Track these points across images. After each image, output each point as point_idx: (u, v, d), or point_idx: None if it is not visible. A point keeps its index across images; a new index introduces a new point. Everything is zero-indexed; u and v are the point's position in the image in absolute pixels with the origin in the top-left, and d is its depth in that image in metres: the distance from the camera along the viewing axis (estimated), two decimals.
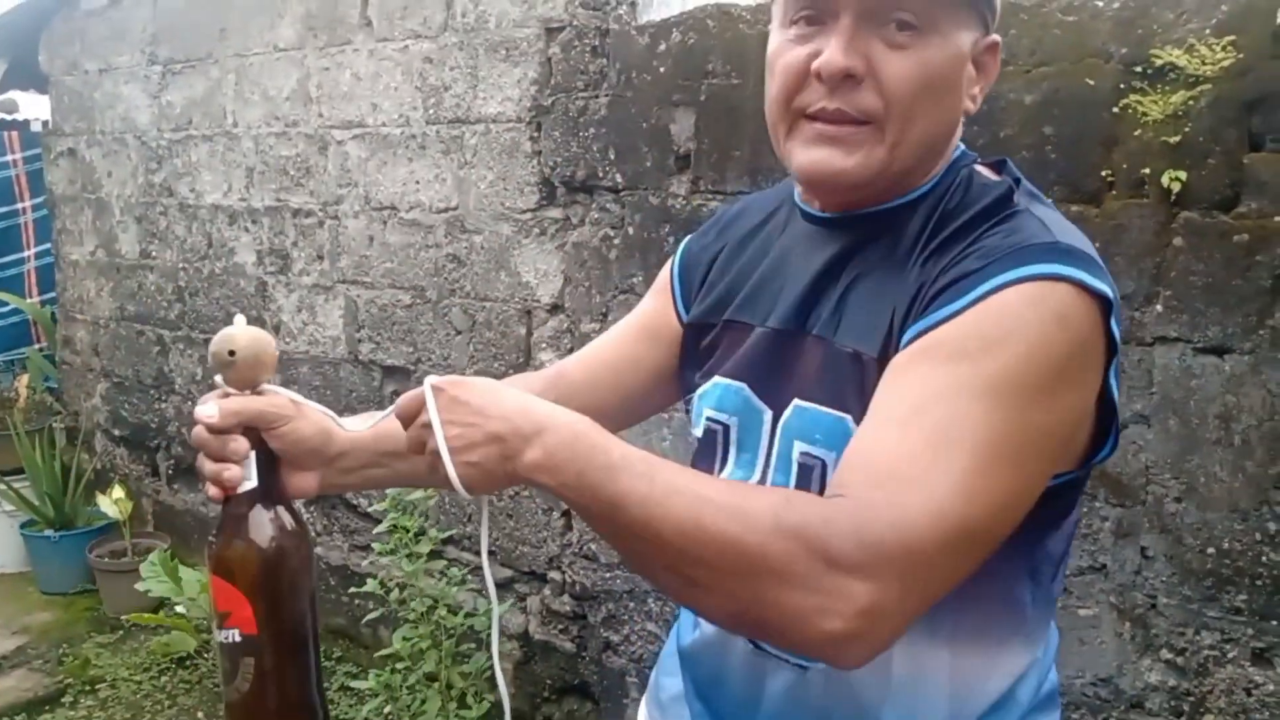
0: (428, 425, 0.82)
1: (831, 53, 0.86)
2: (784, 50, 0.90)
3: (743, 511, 0.76)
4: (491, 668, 2.63)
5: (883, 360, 0.86)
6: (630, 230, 2.49)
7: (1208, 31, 1.73)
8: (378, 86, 3.01)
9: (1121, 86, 1.80)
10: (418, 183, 2.94)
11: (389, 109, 2.99)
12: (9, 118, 4.81)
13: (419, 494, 2.53)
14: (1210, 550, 1.79)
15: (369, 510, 2.61)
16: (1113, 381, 0.86)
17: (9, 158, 4.53)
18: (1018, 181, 0.92)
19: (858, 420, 0.86)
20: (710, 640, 1.03)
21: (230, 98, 3.50)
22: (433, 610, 2.49)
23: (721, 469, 1.01)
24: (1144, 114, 1.78)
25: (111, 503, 3.59)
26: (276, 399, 0.91)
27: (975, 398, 0.78)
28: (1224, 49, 1.71)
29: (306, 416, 0.92)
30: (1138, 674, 1.88)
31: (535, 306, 2.70)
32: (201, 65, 3.59)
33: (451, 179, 2.85)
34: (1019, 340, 0.80)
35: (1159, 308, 1.80)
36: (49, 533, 3.90)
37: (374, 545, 2.69)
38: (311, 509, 3.41)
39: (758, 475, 0.97)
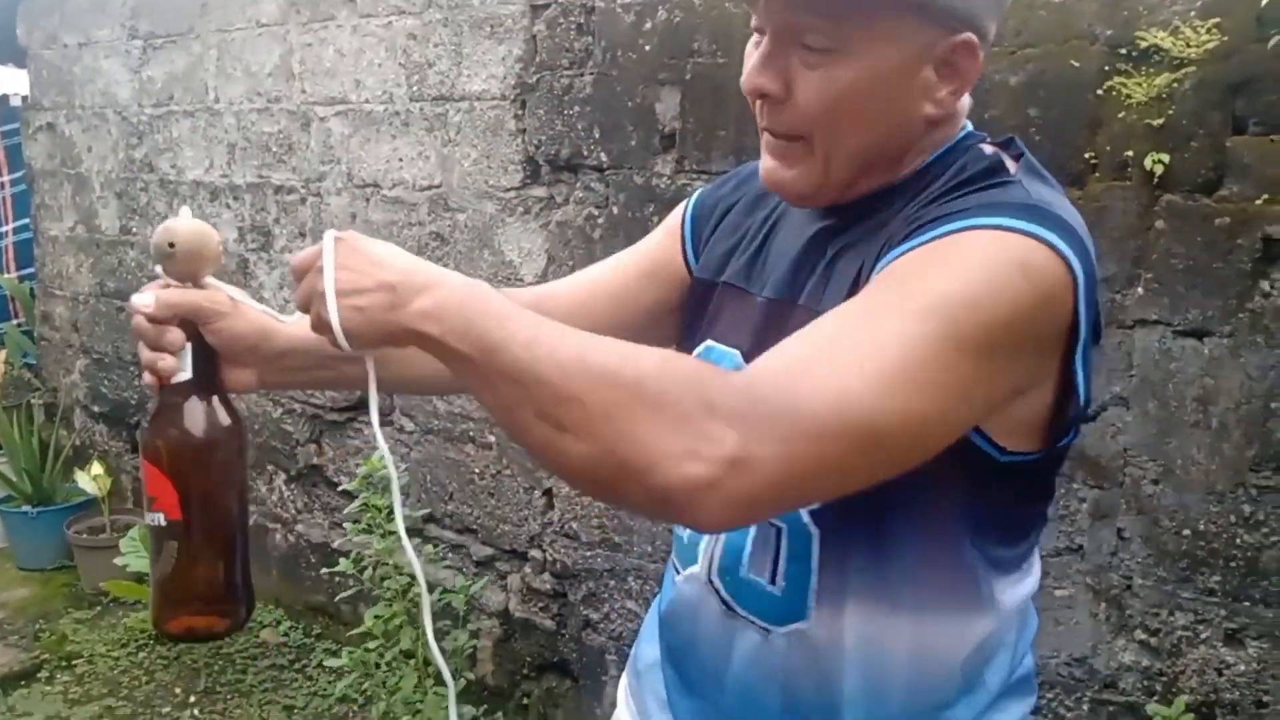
0: (320, 271, 0.81)
1: (745, 74, 0.89)
2: (747, 60, 0.91)
3: (633, 351, 0.75)
4: (473, 647, 2.65)
5: None
6: (615, 209, 2.48)
7: (1193, 14, 1.73)
8: (361, 63, 2.99)
9: (1106, 69, 1.80)
10: (401, 160, 2.92)
11: (372, 85, 2.97)
12: None
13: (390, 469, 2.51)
14: (1186, 532, 1.80)
15: (348, 488, 2.60)
16: (1078, 367, 0.82)
17: None
18: (1020, 157, 0.90)
19: None
20: (686, 600, 1.03)
21: (212, 73, 3.47)
22: (410, 588, 2.49)
23: None
24: (1128, 96, 1.78)
25: (90, 479, 3.58)
26: (215, 294, 0.90)
27: (914, 314, 0.74)
28: (1209, 31, 1.71)
29: (243, 315, 0.91)
30: (1112, 654, 1.90)
31: (519, 285, 2.69)
32: (183, 40, 3.55)
33: (435, 156, 2.83)
34: (975, 269, 0.76)
35: (1140, 290, 1.80)
36: (27, 509, 3.88)
37: (346, 525, 2.68)
38: (293, 486, 3.41)
39: None
